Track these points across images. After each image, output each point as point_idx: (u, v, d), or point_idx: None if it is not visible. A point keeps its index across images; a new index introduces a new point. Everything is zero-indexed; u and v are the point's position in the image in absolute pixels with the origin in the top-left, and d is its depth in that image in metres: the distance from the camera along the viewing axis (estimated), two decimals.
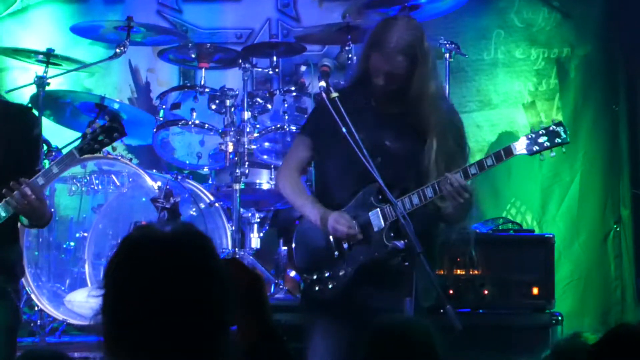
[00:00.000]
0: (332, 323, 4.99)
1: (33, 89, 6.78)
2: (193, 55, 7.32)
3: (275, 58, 7.29)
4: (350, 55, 7.00)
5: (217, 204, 7.15)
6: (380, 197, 4.89)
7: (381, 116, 5.00)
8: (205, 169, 7.41)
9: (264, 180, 7.14)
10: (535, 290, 6.42)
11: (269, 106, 7.10)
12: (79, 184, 7.26)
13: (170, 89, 7.38)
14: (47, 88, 6.78)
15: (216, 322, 2.24)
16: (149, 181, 6.85)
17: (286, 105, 7.05)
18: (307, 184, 5.79)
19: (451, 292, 6.35)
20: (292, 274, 6.82)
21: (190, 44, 7.39)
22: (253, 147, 7.01)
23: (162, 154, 7.25)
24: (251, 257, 6.97)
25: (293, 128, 6.95)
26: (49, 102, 7.01)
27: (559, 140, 4.88)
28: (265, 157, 7.08)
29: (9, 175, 4.64)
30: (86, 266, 7.05)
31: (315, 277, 5.04)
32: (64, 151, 6.35)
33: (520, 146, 4.88)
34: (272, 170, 7.09)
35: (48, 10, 8.30)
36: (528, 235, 6.92)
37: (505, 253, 6.54)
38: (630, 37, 7.99)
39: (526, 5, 8.20)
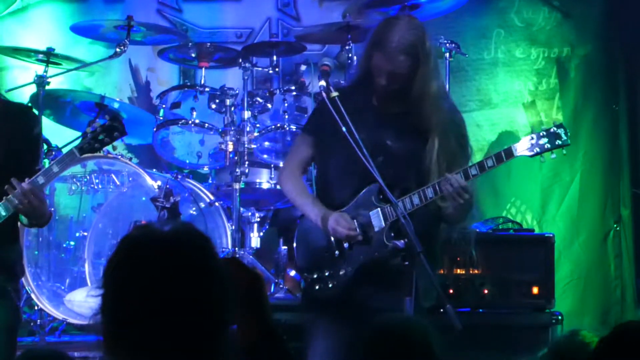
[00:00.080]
0: (333, 322, 4.99)
1: (33, 88, 6.78)
2: (193, 55, 7.32)
3: (275, 57, 7.29)
4: (350, 55, 7.00)
5: (217, 204, 7.15)
6: (381, 196, 4.89)
7: (383, 116, 5.00)
8: (205, 168, 7.41)
9: (264, 180, 7.14)
10: (535, 290, 6.42)
11: (269, 105, 7.10)
12: (79, 183, 7.26)
13: (171, 88, 7.37)
14: (47, 87, 6.77)
15: (216, 321, 2.24)
16: (149, 180, 6.85)
17: (286, 104, 7.05)
18: (307, 183, 5.79)
19: (451, 291, 6.35)
20: (292, 273, 6.82)
21: (190, 43, 7.39)
22: (253, 146, 7.01)
23: (162, 153, 7.24)
24: (251, 256, 6.97)
25: (293, 127, 6.96)
26: (49, 101, 7.01)
27: (560, 142, 4.88)
28: (265, 156, 7.08)
29: (10, 174, 4.64)
30: (86, 265, 7.05)
31: (315, 276, 5.04)
32: (64, 150, 6.35)
33: (521, 148, 4.88)
34: (272, 169, 7.09)
35: (48, 10, 8.30)
36: (528, 235, 6.92)
37: (505, 252, 6.54)
38: (631, 37, 7.99)
39: (526, 5, 8.20)
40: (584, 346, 3.12)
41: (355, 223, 4.94)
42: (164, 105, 7.19)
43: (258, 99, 7.09)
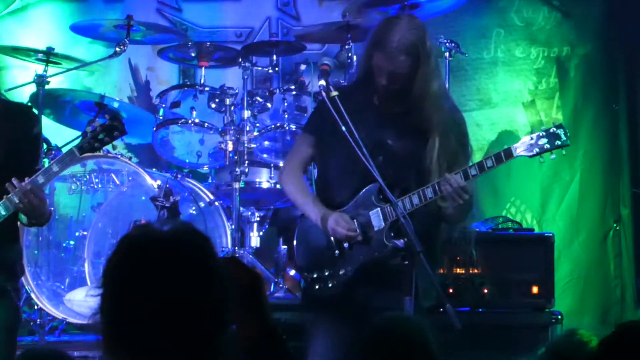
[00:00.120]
0: (332, 322, 4.99)
1: (33, 88, 6.78)
2: (193, 54, 7.32)
3: (275, 57, 7.29)
4: (350, 54, 7.00)
5: (216, 203, 7.15)
6: (381, 196, 4.89)
7: (383, 115, 5.00)
8: (205, 168, 7.40)
9: (264, 179, 7.14)
10: (535, 289, 6.42)
11: (269, 105, 7.10)
12: (78, 183, 7.25)
13: (170, 88, 7.37)
14: (46, 87, 6.78)
15: (215, 321, 2.24)
16: (149, 180, 6.85)
17: (286, 104, 7.04)
18: (307, 183, 5.79)
19: (451, 291, 6.35)
20: (292, 272, 6.82)
21: (190, 43, 7.39)
22: (253, 145, 7.01)
23: (161, 152, 7.24)
24: (251, 256, 6.97)
25: (293, 127, 6.95)
26: (49, 100, 7.00)
27: (559, 143, 4.88)
28: (265, 155, 7.07)
29: (9, 174, 4.64)
30: (86, 265, 7.05)
31: (315, 275, 5.05)
32: (64, 150, 6.35)
33: (520, 148, 4.88)
34: (272, 169, 7.08)
35: (48, 9, 8.30)
36: (528, 234, 6.92)
37: (505, 252, 6.54)
38: (631, 36, 7.99)
39: (526, 4, 8.20)
40: (582, 345, 3.12)
41: (355, 223, 4.94)
42: (163, 105, 7.18)
43: (258, 98, 7.09)
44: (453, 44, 7.07)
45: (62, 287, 7.07)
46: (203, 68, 7.25)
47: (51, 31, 8.15)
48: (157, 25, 7.66)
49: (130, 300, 2.20)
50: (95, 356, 6.01)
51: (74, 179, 7.25)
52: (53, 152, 6.55)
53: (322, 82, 4.93)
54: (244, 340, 2.49)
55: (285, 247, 6.94)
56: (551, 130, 4.89)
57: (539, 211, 8.06)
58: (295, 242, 5.17)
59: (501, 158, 4.85)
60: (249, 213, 7.22)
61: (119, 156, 7.05)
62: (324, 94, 4.89)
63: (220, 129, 7.04)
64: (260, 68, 7.36)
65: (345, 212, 4.98)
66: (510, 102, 8.20)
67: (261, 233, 7.20)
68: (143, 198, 6.88)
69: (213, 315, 2.23)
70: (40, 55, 6.90)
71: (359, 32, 6.96)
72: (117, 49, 6.98)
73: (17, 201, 4.62)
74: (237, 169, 6.96)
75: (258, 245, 7.18)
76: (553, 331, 6.32)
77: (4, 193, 4.65)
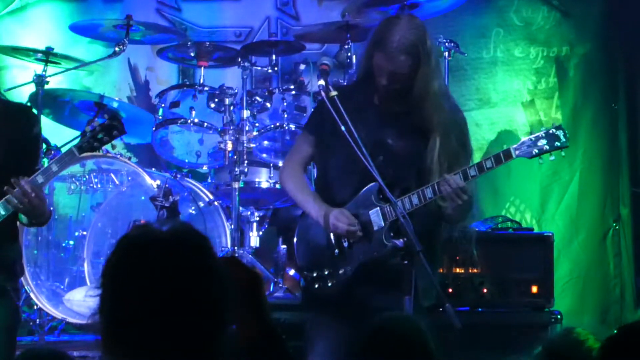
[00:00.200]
0: (332, 321, 5.00)
1: (32, 88, 6.78)
2: (192, 54, 7.32)
3: (274, 56, 7.28)
4: (349, 54, 6.99)
5: (216, 203, 7.14)
6: (381, 196, 4.90)
7: (384, 115, 5.00)
8: (205, 168, 7.40)
9: (263, 179, 7.13)
10: (534, 289, 6.42)
11: (268, 105, 7.09)
12: (78, 183, 7.25)
13: (170, 88, 7.37)
14: (46, 86, 6.78)
15: (215, 321, 2.24)
16: (148, 180, 6.85)
17: (285, 103, 7.04)
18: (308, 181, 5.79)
19: (450, 290, 6.35)
20: (292, 272, 6.82)
21: (189, 43, 7.38)
22: (252, 145, 7.00)
23: (161, 152, 7.24)
24: (250, 255, 6.97)
25: (292, 127, 6.95)
26: (48, 100, 7.00)
27: (559, 144, 4.88)
28: (264, 155, 7.07)
29: (9, 174, 4.64)
30: (85, 265, 7.04)
31: (315, 274, 5.05)
32: (63, 150, 6.35)
33: (519, 149, 4.89)
34: (272, 168, 7.08)
35: (47, 9, 8.30)
36: (527, 234, 6.92)
37: (505, 251, 6.54)
38: (630, 36, 7.99)
39: (525, 4, 8.20)
40: (578, 344, 3.12)
41: (356, 220, 4.95)
42: (163, 105, 7.18)
43: (257, 98, 7.09)
44: (452, 44, 7.07)
45: (62, 287, 7.06)
46: (202, 68, 7.24)
47: (50, 31, 8.15)
48: (156, 25, 7.66)
49: (130, 300, 2.20)
50: (94, 356, 6.01)
51: (74, 179, 7.25)
52: (52, 152, 6.55)
53: (322, 82, 4.93)
54: (244, 340, 2.49)
55: (285, 246, 6.95)
56: (550, 132, 4.89)
57: (538, 211, 8.06)
58: (295, 241, 5.18)
59: (500, 159, 4.86)
60: (249, 213, 7.22)
61: (118, 156, 7.05)
62: (323, 93, 4.89)
63: (219, 129, 7.04)
64: (259, 68, 7.36)
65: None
66: (509, 101, 8.20)
67: (260, 233, 7.20)
68: (142, 198, 6.88)
69: (212, 315, 2.23)
70: (39, 55, 6.90)
71: (358, 32, 6.96)
72: (117, 48, 6.98)
73: (16, 201, 4.62)
74: (236, 169, 6.96)
75: (257, 245, 7.18)
76: (552, 331, 6.32)
77: (3, 193, 4.65)
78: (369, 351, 3.36)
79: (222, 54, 7.39)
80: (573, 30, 8.19)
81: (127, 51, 7.12)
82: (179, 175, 7.20)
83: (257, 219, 7.20)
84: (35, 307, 6.84)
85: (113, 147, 6.92)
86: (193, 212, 7.09)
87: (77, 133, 5.72)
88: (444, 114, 4.94)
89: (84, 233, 7.11)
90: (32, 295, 6.79)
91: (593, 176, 8.07)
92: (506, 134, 8.08)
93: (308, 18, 8.26)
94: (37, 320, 6.81)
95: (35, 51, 6.95)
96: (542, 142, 4.88)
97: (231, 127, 7.02)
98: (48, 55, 6.86)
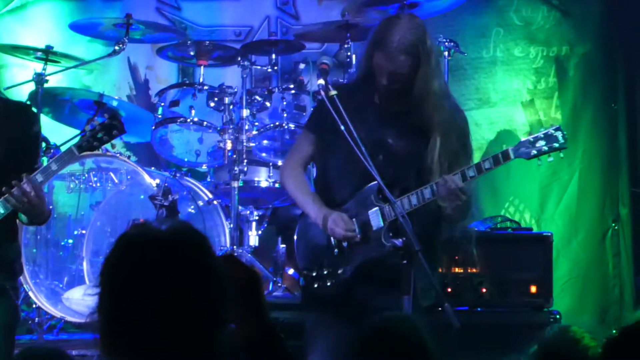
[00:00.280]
0: (331, 321, 4.99)
1: (32, 86, 6.78)
2: (192, 53, 7.31)
3: (274, 56, 7.28)
4: (349, 53, 6.99)
5: (215, 202, 7.14)
6: (380, 196, 4.90)
7: (384, 114, 5.00)
8: (204, 167, 7.40)
9: (263, 178, 7.13)
10: (533, 289, 6.41)
11: (268, 104, 7.09)
12: (77, 181, 7.25)
13: (169, 87, 7.37)
14: (45, 85, 6.78)
15: (213, 320, 2.23)
16: (148, 179, 6.84)
17: (285, 103, 7.04)
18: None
19: (449, 290, 6.35)
20: (291, 271, 6.82)
21: (189, 42, 7.38)
22: (252, 144, 7.00)
23: (160, 151, 7.24)
24: (249, 254, 6.96)
25: (292, 126, 6.95)
26: (48, 99, 7.00)
27: (557, 145, 4.89)
28: (263, 154, 7.07)
29: (8, 173, 4.64)
30: (84, 264, 7.04)
31: (314, 274, 5.04)
32: (63, 148, 6.36)
33: (518, 150, 4.89)
34: (271, 168, 7.08)
35: (47, 8, 8.29)
36: (526, 234, 6.91)
37: (504, 251, 6.54)
38: (630, 36, 7.99)
39: (525, 4, 8.20)
40: (574, 343, 3.11)
41: (354, 223, 4.94)
42: (162, 104, 7.18)
43: (257, 97, 7.09)
44: (452, 43, 7.07)
45: (61, 285, 7.06)
46: (202, 67, 7.24)
47: (50, 29, 8.14)
48: (156, 24, 7.65)
49: (128, 299, 2.19)
50: (93, 355, 6.00)
51: (73, 178, 7.25)
52: (52, 151, 6.55)
53: (321, 81, 4.93)
54: (243, 339, 2.49)
55: (284, 246, 6.95)
56: (549, 133, 4.89)
57: (537, 210, 8.06)
58: (295, 239, 5.18)
59: (499, 160, 4.86)
60: (248, 212, 7.21)
61: (118, 155, 7.05)
62: (323, 93, 4.89)
63: (219, 128, 7.03)
64: (259, 67, 7.35)
65: (345, 211, 4.98)
66: (509, 101, 8.20)
67: (260, 232, 7.19)
68: (142, 197, 6.88)
69: (211, 314, 2.23)
70: (39, 54, 6.90)
71: (358, 31, 6.96)
72: (116, 47, 6.98)
73: (16, 200, 4.61)
74: (235, 168, 6.96)
75: (257, 244, 7.18)
76: (548, 329, 6.31)
77: (3, 192, 4.65)
78: (368, 351, 3.36)
79: (222, 53, 7.39)
80: (573, 30, 8.18)
81: (127, 50, 7.12)
82: (178, 174, 7.19)
83: (257, 218, 7.19)
84: (34, 306, 6.84)
85: (112, 146, 6.93)
86: (192, 211, 7.09)
87: (77, 132, 5.74)
88: (445, 114, 4.94)
89: (83, 232, 7.10)
90: (31, 293, 6.78)
91: (592, 176, 8.07)
92: (506, 133, 8.08)
93: (308, 17, 8.26)
94: (36, 319, 6.81)
95: (35, 50, 6.94)
96: (541, 143, 4.88)
97: (231, 126, 7.02)
98: (48, 54, 6.86)
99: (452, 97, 5.18)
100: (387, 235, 4.89)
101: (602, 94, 8.12)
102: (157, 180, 6.72)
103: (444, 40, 7.03)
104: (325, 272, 5.01)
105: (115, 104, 7.07)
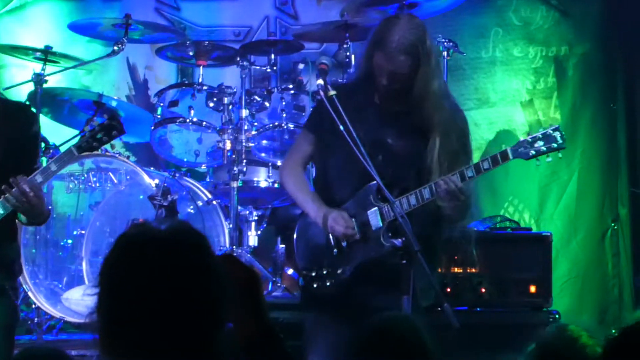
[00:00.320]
0: (331, 321, 5.00)
1: (31, 87, 6.78)
2: (191, 53, 7.31)
3: (273, 56, 7.28)
4: (348, 53, 6.99)
5: (214, 202, 7.14)
6: (380, 196, 4.90)
7: (384, 114, 5.00)
8: (203, 167, 7.40)
9: (262, 178, 7.13)
10: (532, 289, 6.41)
11: (267, 104, 7.09)
12: (76, 182, 7.25)
13: (168, 87, 7.37)
14: (44, 85, 6.78)
15: (213, 319, 2.23)
16: (147, 179, 6.84)
17: (284, 103, 7.04)
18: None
19: (449, 290, 6.35)
20: (290, 271, 6.82)
21: (188, 42, 7.38)
22: (251, 144, 7.00)
23: (159, 151, 7.24)
24: (249, 255, 6.96)
25: (291, 126, 6.95)
26: (47, 99, 7.00)
27: (556, 146, 4.89)
28: (263, 154, 7.07)
29: (8, 173, 4.64)
30: (83, 264, 7.04)
31: (314, 273, 5.05)
32: (62, 149, 6.36)
33: (516, 151, 4.89)
34: (270, 168, 7.08)
35: (46, 8, 8.29)
36: (525, 234, 6.92)
37: (503, 251, 6.54)
38: (629, 36, 7.99)
39: (524, 4, 8.20)
40: (572, 341, 3.10)
41: (354, 222, 4.94)
42: (161, 104, 7.18)
43: (256, 97, 7.09)
44: (451, 43, 7.07)
45: (60, 285, 7.06)
46: (201, 67, 7.24)
47: (49, 30, 8.14)
48: (155, 24, 7.65)
49: (127, 298, 2.19)
50: (92, 355, 6.00)
51: (72, 178, 7.25)
52: (51, 151, 6.55)
53: (320, 82, 4.93)
54: (242, 339, 2.49)
55: (283, 246, 6.95)
56: (548, 133, 4.89)
57: (537, 210, 8.06)
58: (295, 238, 5.18)
59: (497, 160, 4.86)
60: (247, 212, 7.21)
61: (117, 155, 7.05)
62: (322, 93, 4.89)
63: (218, 128, 7.03)
64: (258, 67, 7.35)
65: (344, 210, 4.98)
66: (508, 101, 8.20)
67: (259, 232, 7.19)
68: (141, 197, 6.88)
69: (210, 314, 2.23)
70: (38, 54, 6.90)
71: (357, 31, 6.96)
72: (115, 47, 6.98)
73: (15, 200, 4.61)
74: (235, 168, 6.96)
75: (256, 244, 7.18)
76: (546, 328, 6.31)
77: (2, 192, 4.65)
78: (367, 351, 3.36)
79: (221, 53, 7.39)
80: (572, 30, 8.18)
81: (126, 50, 7.12)
82: (177, 174, 7.19)
83: (256, 218, 7.19)
84: (33, 306, 6.83)
85: (112, 146, 6.93)
86: (192, 211, 7.09)
87: (76, 132, 5.73)
88: (444, 114, 4.94)
89: (83, 232, 7.10)
90: (30, 294, 6.78)
91: (592, 176, 8.07)
92: (505, 133, 8.08)
93: (307, 17, 8.26)
94: (36, 319, 6.80)
95: (34, 50, 6.94)
96: (539, 144, 4.88)
97: (230, 126, 7.02)
98: (47, 54, 6.85)
99: (451, 97, 5.19)
100: (386, 236, 4.89)
101: (601, 94, 8.12)
102: (157, 181, 6.72)
103: (443, 40, 7.03)
104: (324, 272, 5.01)
105: (114, 104, 7.07)
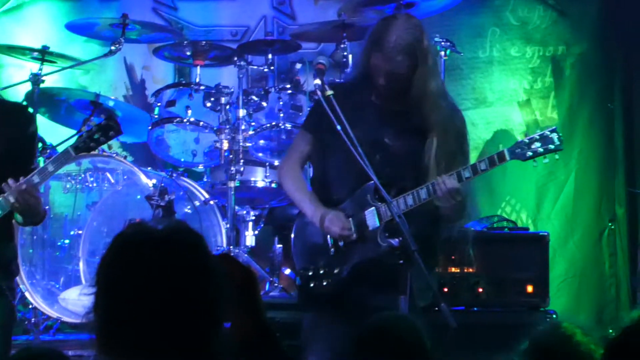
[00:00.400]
0: (328, 320, 4.99)
1: (28, 87, 6.78)
2: (188, 53, 7.31)
3: (270, 56, 7.28)
4: (345, 53, 6.99)
5: (212, 202, 7.14)
6: (377, 195, 4.89)
7: (382, 114, 5.00)
8: (200, 167, 7.40)
9: (259, 178, 7.13)
10: (529, 288, 6.41)
11: (264, 104, 7.09)
12: (73, 182, 7.24)
13: (166, 87, 7.36)
14: (42, 85, 6.78)
15: (209, 319, 2.23)
16: (144, 179, 6.84)
17: (281, 103, 7.04)
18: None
19: (446, 290, 6.35)
20: (287, 271, 6.82)
21: (185, 42, 7.37)
22: (248, 144, 7.00)
23: (157, 151, 7.24)
24: (246, 255, 6.96)
25: (288, 126, 6.95)
26: (44, 99, 7.00)
27: (553, 147, 4.89)
28: (260, 154, 7.07)
29: (5, 173, 4.64)
30: (80, 264, 7.04)
31: (311, 273, 5.04)
32: (59, 149, 6.35)
33: (513, 152, 4.89)
34: (267, 167, 7.08)
35: (43, 8, 8.29)
36: (523, 233, 6.92)
37: (500, 251, 6.54)
38: (627, 35, 7.99)
39: (521, 3, 8.20)
40: (567, 338, 3.10)
41: (351, 222, 4.94)
42: (159, 104, 7.18)
43: (253, 97, 7.09)
44: (448, 43, 7.07)
45: (57, 286, 7.06)
46: (198, 67, 7.24)
47: (46, 30, 8.14)
48: (152, 24, 7.65)
49: (124, 298, 2.19)
50: (89, 355, 6.00)
51: (69, 178, 7.24)
52: (48, 151, 6.55)
53: (318, 81, 4.93)
54: (239, 338, 2.49)
55: (281, 246, 6.95)
56: (545, 134, 4.90)
57: (534, 210, 8.06)
58: (292, 238, 5.18)
59: (494, 161, 4.86)
60: (244, 212, 7.21)
61: (114, 155, 7.05)
62: (319, 93, 4.89)
63: (215, 128, 7.03)
64: (255, 67, 7.36)
65: (341, 210, 4.98)
66: (505, 101, 8.20)
67: (256, 232, 7.19)
68: (138, 197, 6.88)
69: (207, 314, 2.22)
70: (35, 54, 6.90)
71: (354, 31, 6.96)
72: (113, 47, 6.98)
73: (12, 200, 4.61)
74: (232, 168, 6.96)
75: (253, 244, 7.18)
76: (540, 326, 6.31)
77: None
78: (364, 350, 3.36)
79: (218, 53, 7.39)
80: (569, 30, 8.18)
81: (123, 50, 7.12)
82: (174, 174, 7.19)
83: (253, 218, 7.19)
84: (30, 306, 6.83)
85: (109, 146, 6.92)
86: (189, 211, 7.09)
87: (73, 132, 5.74)
88: (442, 114, 4.94)
89: (80, 232, 7.10)
90: (27, 294, 6.78)
91: (589, 176, 8.07)
92: (502, 133, 8.08)
93: (304, 17, 8.26)
94: (33, 319, 6.80)
95: (31, 50, 6.94)
96: (536, 145, 4.89)
97: (227, 126, 7.02)
98: (44, 54, 6.85)
99: (449, 97, 5.19)
100: (383, 235, 4.89)
101: (598, 93, 8.12)
102: (154, 181, 6.72)
103: (441, 40, 7.03)
104: (321, 272, 5.01)
105: (111, 104, 7.07)
